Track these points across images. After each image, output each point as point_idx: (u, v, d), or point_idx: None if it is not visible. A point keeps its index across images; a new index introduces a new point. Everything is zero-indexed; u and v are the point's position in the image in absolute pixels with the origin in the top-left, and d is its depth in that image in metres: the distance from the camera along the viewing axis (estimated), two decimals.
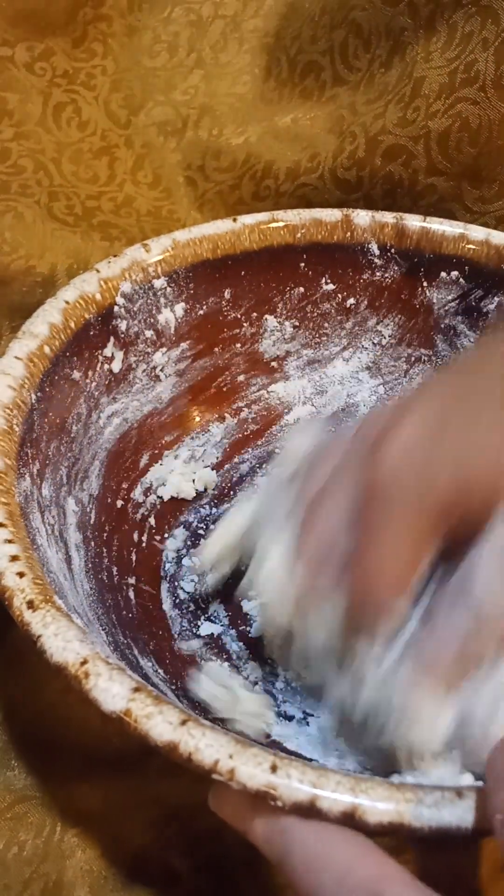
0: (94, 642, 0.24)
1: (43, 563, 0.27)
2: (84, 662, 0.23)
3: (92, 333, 0.36)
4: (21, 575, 0.25)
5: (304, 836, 0.21)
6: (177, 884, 0.30)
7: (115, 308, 0.37)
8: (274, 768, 0.21)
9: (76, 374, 0.35)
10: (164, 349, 0.41)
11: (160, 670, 0.33)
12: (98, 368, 0.37)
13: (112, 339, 0.37)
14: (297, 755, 0.30)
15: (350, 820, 0.20)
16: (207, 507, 0.42)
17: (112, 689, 0.22)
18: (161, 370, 0.41)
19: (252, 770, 0.21)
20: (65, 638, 0.23)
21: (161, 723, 0.22)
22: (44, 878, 0.30)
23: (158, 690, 0.30)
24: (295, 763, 0.21)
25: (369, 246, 0.43)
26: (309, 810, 0.20)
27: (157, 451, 0.42)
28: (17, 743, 0.33)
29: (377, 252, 0.43)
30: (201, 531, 0.41)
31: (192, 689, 0.31)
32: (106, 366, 0.37)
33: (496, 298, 0.42)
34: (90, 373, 0.36)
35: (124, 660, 0.30)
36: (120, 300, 0.37)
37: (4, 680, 0.35)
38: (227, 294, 0.42)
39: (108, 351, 0.37)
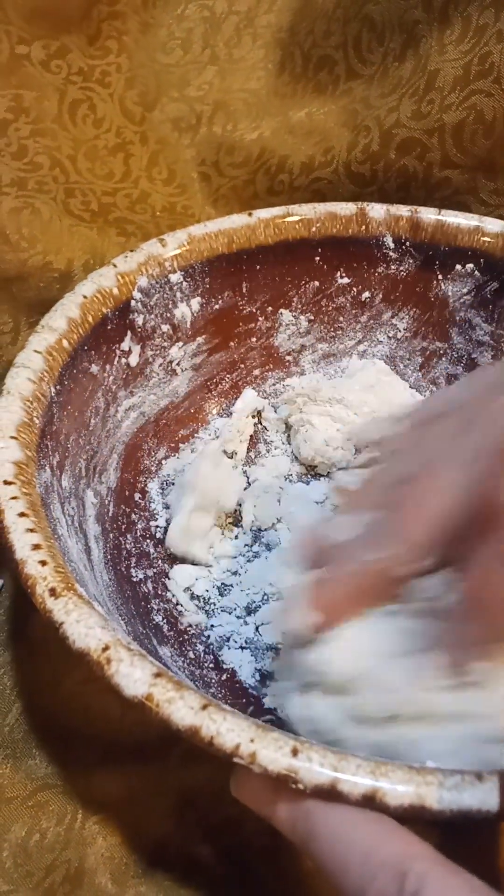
0: (116, 629, 0.24)
1: (64, 553, 0.27)
2: (106, 648, 0.23)
3: (109, 328, 0.36)
4: (43, 563, 0.25)
5: (328, 818, 0.21)
6: (197, 871, 0.30)
7: (132, 302, 0.37)
8: (295, 752, 0.21)
9: (94, 368, 0.36)
10: (181, 343, 0.41)
11: (179, 659, 0.33)
12: (115, 362, 0.37)
13: (129, 333, 0.38)
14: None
15: (371, 802, 0.20)
16: None
17: (134, 675, 0.22)
18: (177, 364, 0.41)
19: (273, 754, 0.21)
20: (87, 624, 0.23)
21: (182, 707, 0.22)
22: (65, 865, 0.30)
23: (177, 674, 0.31)
24: (316, 747, 0.21)
25: (384, 239, 0.43)
26: (330, 793, 0.21)
27: (173, 445, 0.42)
28: (37, 732, 0.34)
29: (392, 245, 0.43)
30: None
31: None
32: (123, 360, 0.38)
33: None
34: (108, 366, 0.37)
35: (143, 649, 0.31)
36: (137, 294, 0.37)
37: (25, 671, 0.35)
38: (242, 288, 0.42)
39: (125, 345, 0.38)
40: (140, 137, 0.45)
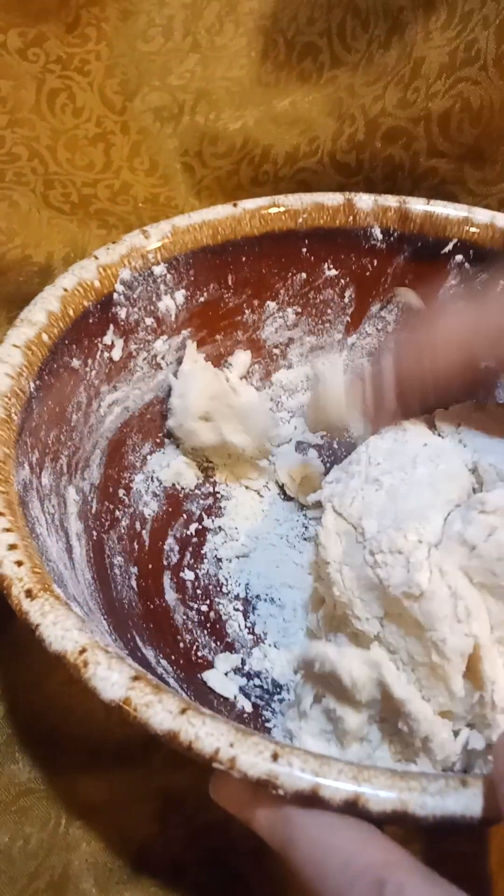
0: (94, 631, 0.23)
1: (42, 553, 0.26)
2: (83, 651, 0.22)
3: (91, 321, 0.35)
4: (19, 564, 0.24)
5: (307, 824, 0.20)
6: (182, 876, 0.30)
7: (115, 295, 0.37)
8: (275, 756, 0.20)
9: (75, 363, 0.35)
10: (165, 337, 0.40)
11: (163, 660, 0.33)
12: (98, 356, 0.36)
13: (112, 326, 0.37)
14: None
15: (353, 808, 0.20)
16: (209, 497, 0.42)
17: (111, 678, 0.22)
18: (162, 358, 0.41)
19: (253, 759, 0.20)
20: (63, 626, 0.23)
21: (161, 711, 0.21)
22: (49, 871, 0.30)
23: (161, 679, 0.30)
24: (297, 751, 0.21)
25: (372, 230, 0.42)
26: (311, 799, 0.20)
27: (158, 440, 0.41)
28: (20, 736, 0.33)
29: (380, 236, 0.42)
30: (203, 520, 0.41)
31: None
32: (106, 354, 0.37)
33: (501, 282, 0.41)
34: (90, 361, 0.36)
35: (126, 649, 0.30)
36: (119, 287, 0.37)
37: (7, 672, 0.35)
38: (228, 280, 0.41)
39: (107, 339, 0.37)
40: (121, 127, 0.44)
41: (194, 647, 0.35)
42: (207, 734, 0.21)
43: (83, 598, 0.29)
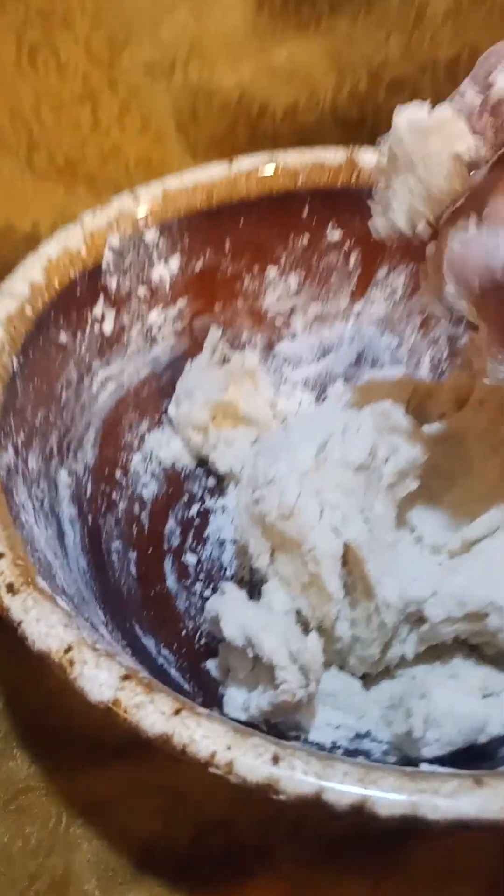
0: (81, 627, 0.22)
1: (27, 542, 0.25)
2: (68, 650, 0.21)
3: (79, 292, 0.34)
4: (0, 556, 0.22)
5: None
6: (187, 874, 0.29)
7: (104, 263, 0.35)
8: (276, 759, 0.19)
9: (63, 337, 0.33)
10: (160, 307, 0.38)
11: (164, 649, 0.31)
12: (88, 330, 0.35)
13: (102, 297, 0.35)
14: None
15: (359, 813, 0.19)
16: (210, 476, 0.40)
17: (99, 678, 0.20)
18: (158, 330, 0.39)
19: (252, 762, 0.19)
20: (48, 623, 0.21)
21: (153, 713, 0.20)
22: (50, 872, 0.29)
23: (161, 670, 0.29)
24: (299, 752, 0.20)
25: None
26: (315, 803, 0.19)
27: (156, 418, 0.40)
28: (18, 732, 0.32)
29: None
30: (206, 500, 0.39)
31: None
32: (96, 327, 0.35)
33: None
34: (79, 335, 0.34)
35: (125, 640, 0.29)
36: (108, 255, 0.35)
37: (4, 667, 0.33)
38: (225, 246, 0.40)
39: (98, 311, 0.35)
40: (109, 85, 0.42)
41: (197, 635, 0.33)
42: (203, 737, 0.20)
43: (76, 587, 0.27)
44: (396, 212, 0.25)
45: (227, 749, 0.19)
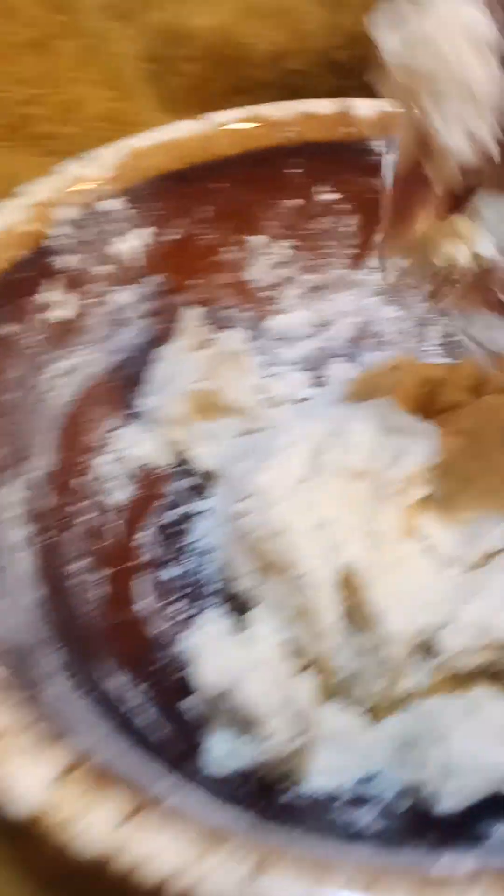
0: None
1: None
2: None
3: (26, 275, 0.31)
4: None
5: None
6: None
7: (57, 240, 0.32)
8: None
9: (8, 329, 0.30)
10: (129, 286, 0.36)
11: (142, 684, 0.28)
12: (39, 318, 0.32)
13: (54, 279, 0.32)
14: None
15: None
16: (190, 476, 0.36)
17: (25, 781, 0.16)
18: (124, 313, 0.36)
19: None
20: None
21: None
22: None
23: (134, 714, 0.26)
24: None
25: (376, 144, 0.38)
26: None
27: (128, 412, 0.36)
28: None
29: (385, 151, 0.37)
30: (182, 507, 0.35)
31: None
32: (50, 313, 0.32)
33: None
34: (29, 324, 0.31)
35: (87, 684, 0.26)
36: (61, 229, 0.32)
37: None
38: (202, 213, 0.38)
39: (50, 295, 0.32)
40: (64, 29, 0.40)
41: (173, 667, 0.29)
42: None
43: (18, 634, 0.24)
44: (452, 135, 0.23)
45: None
